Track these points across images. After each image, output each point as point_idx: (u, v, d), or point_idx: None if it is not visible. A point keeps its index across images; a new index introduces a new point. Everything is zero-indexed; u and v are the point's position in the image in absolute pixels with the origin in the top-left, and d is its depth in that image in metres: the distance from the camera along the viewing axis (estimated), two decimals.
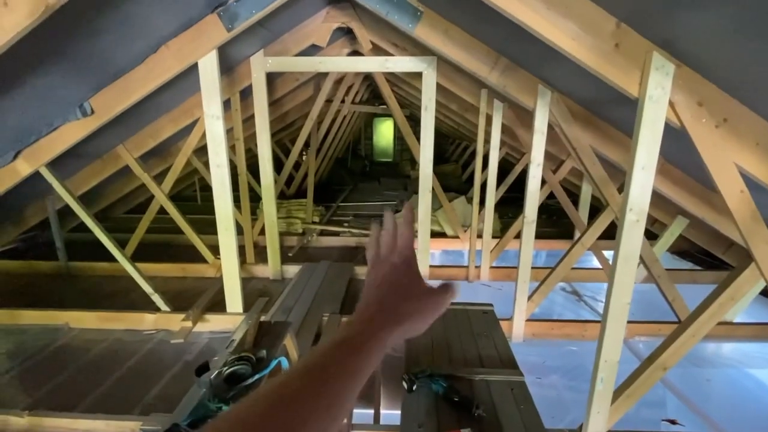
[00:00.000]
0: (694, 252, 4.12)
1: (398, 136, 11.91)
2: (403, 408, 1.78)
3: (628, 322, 2.74)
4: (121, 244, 3.39)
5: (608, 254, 3.70)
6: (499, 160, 4.81)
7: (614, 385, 1.61)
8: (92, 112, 2.22)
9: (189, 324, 2.54)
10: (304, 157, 5.90)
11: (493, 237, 3.70)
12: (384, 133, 12.49)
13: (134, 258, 3.36)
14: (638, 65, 1.28)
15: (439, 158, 9.47)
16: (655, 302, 2.91)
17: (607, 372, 1.50)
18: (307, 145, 4.97)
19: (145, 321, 2.66)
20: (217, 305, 2.81)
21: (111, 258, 2.78)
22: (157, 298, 2.70)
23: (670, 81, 1.25)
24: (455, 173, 7.88)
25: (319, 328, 2.49)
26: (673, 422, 2.05)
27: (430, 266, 3.52)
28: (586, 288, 3.78)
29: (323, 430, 0.29)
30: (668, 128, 1.32)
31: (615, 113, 2.14)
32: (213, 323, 2.66)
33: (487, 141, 3.27)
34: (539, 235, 4.47)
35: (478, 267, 3.52)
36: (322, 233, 4.58)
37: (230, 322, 2.60)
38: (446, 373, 1.97)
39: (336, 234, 4.59)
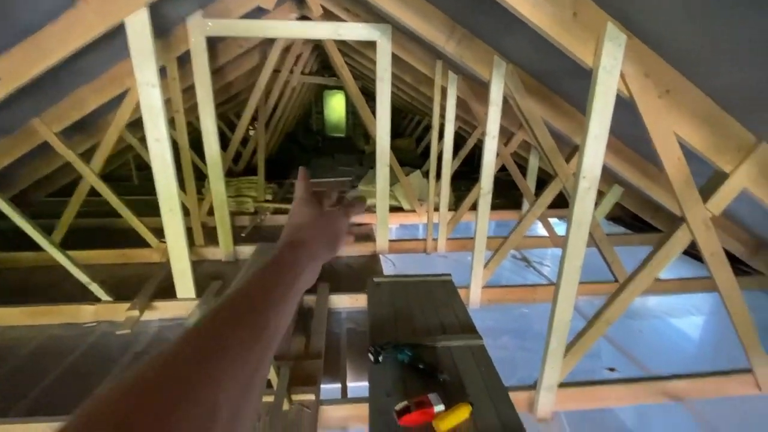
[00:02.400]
0: (626, 217, 4.53)
1: (351, 110, 11.62)
2: (370, 379, 1.80)
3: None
4: (47, 231, 3.03)
5: (554, 222, 3.95)
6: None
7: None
8: None
9: (136, 313, 2.36)
10: (251, 132, 5.58)
11: (449, 210, 3.79)
12: (335, 106, 12.12)
13: (65, 245, 3.02)
14: (594, 35, 1.31)
15: (393, 133, 9.43)
16: (589, 264, 3.18)
17: (560, 331, 1.61)
18: (254, 118, 4.68)
19: (84, 313, 2.43)
20: (166, 292, 2.63)
21: (37, 247, 2.47)
22: (95, 288, 2.46)
23: (622, 52, 1.29)
24: (410, 147, 7.90)
25: None
26: (612, 370, 2.27)
27: (390, 241, 3.54)
28: (533, 254, 4.03)
29: (249, 356, 0.29)
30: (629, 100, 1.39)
31: (567, 86, 2.21)
32: (162, 311, 2.49)
33: (442, 114, 3.28)
34: (492, 206, 4.69)
35: (435, 239, 3.60)
36: (276, 212, 4.41)
37: (182, 308, 2.45)
38: (411, 342, 2.02)
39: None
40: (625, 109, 1.40)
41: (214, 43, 3.49)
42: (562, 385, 1.79)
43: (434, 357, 1.95)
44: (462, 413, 1.56)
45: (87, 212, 3.76)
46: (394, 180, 4.47)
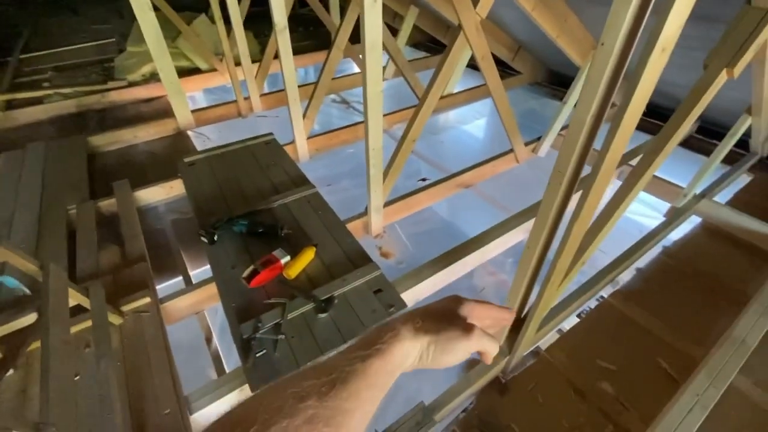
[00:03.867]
0: (426, 42, 4.79)
1: None
2: (210, 260, 1.72)
3: (387, 114, 3.17)
4: None
5: None
6: None
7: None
8: None
9: None
10: None
11: (255, 62, 3.30)
12: None
13: None
14: None
15: None
16: (405, 92, 3.40)
17: (376, 158, 1.73)
18: None
19: None
20: None
21: None
22: None
23: None
24: None
25: (69, 225, 1.94)
26: (424, 180, 2.70)
27: (192, 111, 3.00)
28: (353, 95, 4.05)
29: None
30: None
31: None
32: None
33: None
34: (301, 50, 4.28)
35: (247, 98, 3.20)
36: (10, 106, 3.14)
37: None
38: (244, 212, 1.93)
39: (38, 102, 3.22)
40: None
41: None
42: (387, 203, 2.05)
43: (273, 217, 1.94)
44: (307, 256, 1.68)
45: None
46: (176, 31, 3.54)
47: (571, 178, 0.88)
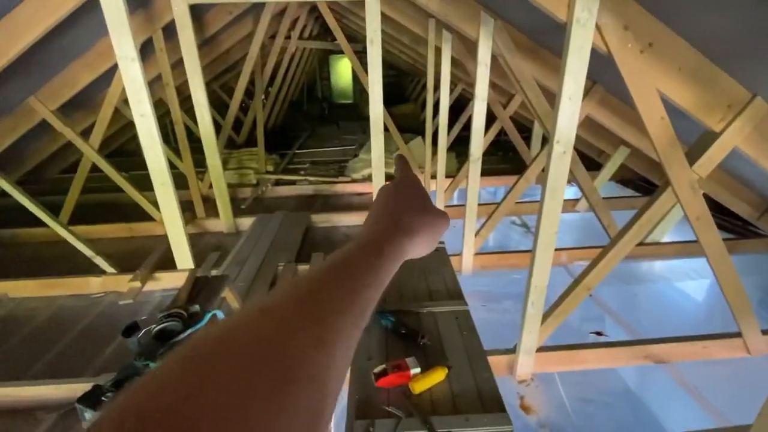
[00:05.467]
0: (636, 180, 4.36)
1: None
2: None
3: (571, 248, 2.94)
4: (59, 207, 3.16)
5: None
6: (456, 96, 4.72)
7: (545, 307, 1.74)
8: None
9: (137, 284, 2.48)
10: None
11: (449, 176, 3.73)
12: (342, 72, 11.79)
13: (76, 220, 3.17)
14: None
15: (399, 98, 9.16)
16: (598, 229, 3.11)
17: (537, 296, 1.61)
18: (249, 90, 4.63)
19: (91, 285, 2.57)
20: (170, 263, 2.73)
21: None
22: (100, 261, 2.58)
23: (596, 3, 1.19)
24: (414, 113, 7.69)
25: (274, 278, 2.50)
26: (599, 334, 2.28)
27: None
28: (534, 220, 3.96)
29: (348, 332, 0.25)
30: (608, 57, 1.29)
31: (556, 41, 2.08)
32: (164, 281, 2.60)
33: (437, 77, 3.15)
34: (496, 172, 4.59)
35: None
36: (278, 183, 4.45)
37: (182, 278, 2.55)
38: (395, 308, 2.06)
39: (292, 183, 4.48)
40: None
41: (202, 12, 3.40)
42: (541, 348, 1.81)
43: (418, 322, 2.00)
44: (437, 376, 1.61)
45: (97, 187, 3.88)
46: (396, 147, 4.41)
47: None
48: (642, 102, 1.35)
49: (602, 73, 2.06)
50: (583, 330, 2.61)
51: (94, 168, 3.21)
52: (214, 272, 2.53)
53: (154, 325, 1.14)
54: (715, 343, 1.93)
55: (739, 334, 1.92)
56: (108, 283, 2.58)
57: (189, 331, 1.17)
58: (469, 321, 2.00)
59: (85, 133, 3.17)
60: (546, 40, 2.14)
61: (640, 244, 2.76)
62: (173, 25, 2.84)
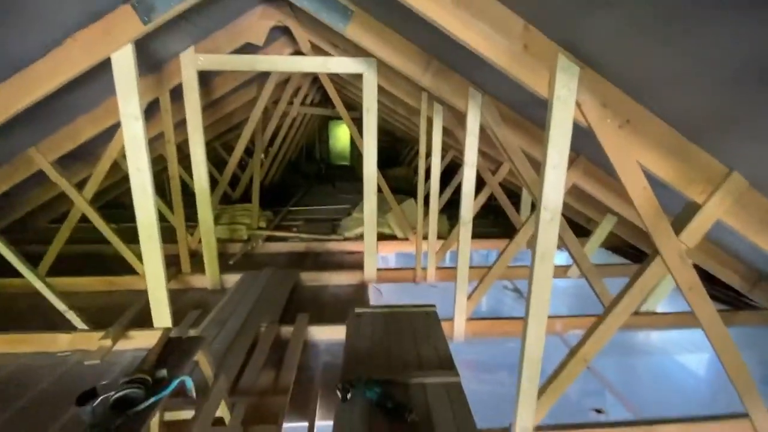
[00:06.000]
0: (625, 247, 4.40)
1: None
2: (335, 418, 1.71)
3: (565, 316, 2.86)
4: (42, 257, 3.07)
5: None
6: (446, 162, 4.90)
7: (541, 380, 1.64)
8: None
9: (108, 342, 2.32)
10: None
11: (441, 238, 3.73)
12: (340, 136, 12.42)
13: (57, 272, 3.06)
14: (546, 66, 1.31)
15: (393, 161, 9.56)
16: (592, 295, 3.06)
17: (531, 369, 1.52)
18: (249, 149, 4.79)
19: (59, 342, 2.40)
20: (148, 320, 2.60)
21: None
22: (72, 316, 2.45)
23: (575, 82, 1.28)
24: (407, 176, 7.95)
25: (255, 339, 2.37)
26: (599, 411, 2.13)
27: (379, 269, 3.48)
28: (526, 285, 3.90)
29: None
30: (589, 130, 1.37)
31: (540, 115, 2.21)
32: (137, 340, 2.44)
33: (429, 145, 3.30)
34: (487, 235, 4.62)
35: (424, 269, 3.53)
36: (269, 239, 4.42)
37: (156, 337, 2.40)
38: (382, 378, 1.92)
39: (284, 239, 4.45)
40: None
41: (210, 77, 3.63)
42: (539, 428, 1.67)
43: (406, 394, 1.86)
44: None
45: (82, 239, 3.81)
46: (388, 208, 4.47)
47: None
48: (624, 173, 1.40)
49: (585, 145, 2.17)
50: (582, 405, 2.44)
51: (84, 219, 3.18)
52: (191, 332, 2.39)
53: (112, 393, 1.04)
54: (722, 425, 1.81)
55: (746, 415, 1.80)
56: (77, 341, 2.41)
57: (152, 400, 1.07)
58: (461, 393, 1.87)
59: (81, 185, 3.19)
60: (530, 113, 2.28)
61: (636, 313, 2.71)
62: (181, 87, 3.00)
